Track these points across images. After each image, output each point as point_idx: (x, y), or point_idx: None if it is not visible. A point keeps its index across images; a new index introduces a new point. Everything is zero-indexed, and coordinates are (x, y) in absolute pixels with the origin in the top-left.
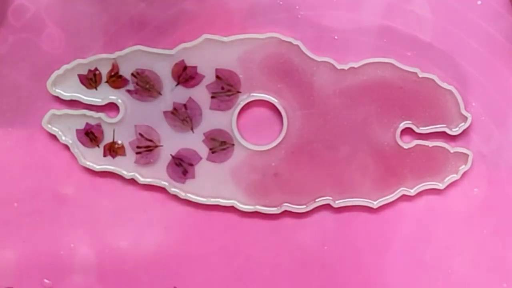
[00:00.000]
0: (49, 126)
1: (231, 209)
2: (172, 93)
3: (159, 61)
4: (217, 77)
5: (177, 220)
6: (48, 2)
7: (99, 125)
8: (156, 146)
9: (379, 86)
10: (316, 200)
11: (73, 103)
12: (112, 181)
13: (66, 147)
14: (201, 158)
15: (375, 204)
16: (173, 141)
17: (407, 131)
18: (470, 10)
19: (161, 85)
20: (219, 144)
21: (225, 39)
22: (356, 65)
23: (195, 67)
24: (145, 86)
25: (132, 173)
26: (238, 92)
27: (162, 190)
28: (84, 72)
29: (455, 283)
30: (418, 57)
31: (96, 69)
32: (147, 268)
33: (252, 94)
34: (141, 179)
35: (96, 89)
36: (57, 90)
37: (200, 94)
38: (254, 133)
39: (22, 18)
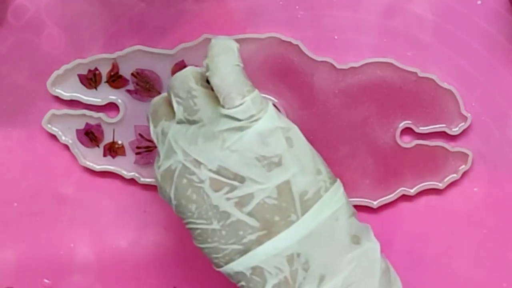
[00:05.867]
0: (49, 126)
1: None
2: None
3: (159, 61)
4: None
5: (177, 220)
6: (48, 2)
7: (99, 125)
8: (156, 147)
9: (379, 86)
10: None
11: (73, 103)
12: (112, 181)
13: (66, 147)
14: None
15: (375, 204)
16: None
17: (407, 131)
18: (470, 10)
19: (161, 85)
20: None
21: None
22: (356, 65)
23: None
24: (145, 86)
25: (132, 173)
26: None
27: None
28: (84, 72)
29: (455, 283)
30: (418, 57)
31: (96, 69)
32: (147, 268)
33: None
34: (141, 179)
35: (96, 89)
36: (57, 90)
37: None
38: None
39: (22, 18)
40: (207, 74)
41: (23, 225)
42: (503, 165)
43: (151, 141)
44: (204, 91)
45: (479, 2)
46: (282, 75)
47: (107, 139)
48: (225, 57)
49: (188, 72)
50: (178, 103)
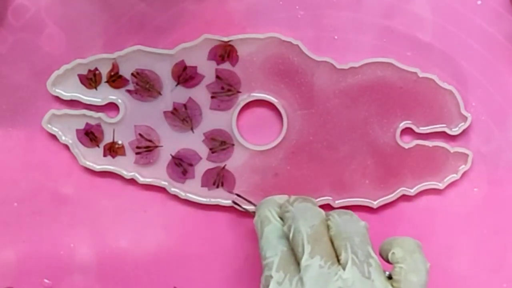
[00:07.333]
0: (49, 126)
1: (231, 209)
2: (172, 93)
3: (159, 61)
4: (217, 77)
5: (177, 220)
6: (48, 2)
7: (99, 125)
8: (156, 147)
9: (379, 86)
10: (316, 200)
11: (73, 103)
12: (112, 181)
13: (66, 147)
14: (201, 158)
15: (375, 204)
16: (173, 141)
17: (407, 131)
18: (470, 10)
19: (161, 85)
20: (219, 144)
21: (225, 39)
22: (356, 65)
23: (195, 67)
24: (145, 86)
25: (132, 173)
26: (238, 92)
27: (162, 190)
28: (84, 72)
29: (455, 283)
30: (418, 57)
31: (96, 69)
32: (147, 268)
33: (252, 94)
34: (141, 179)
35: (96, 89)
36: (57, 90)
37: (200, 94)
38: (254, 133)
39: (22, 18)
40: (401, 267)
41: (23, 225)
42: (503, 165)
43: (151, 140)
44: (378, 264)
45: (479, 2)
46: (282, 75)
47: (107, 139)
48: (420, 256)
49: (366, 235)
50: (353, 262)
